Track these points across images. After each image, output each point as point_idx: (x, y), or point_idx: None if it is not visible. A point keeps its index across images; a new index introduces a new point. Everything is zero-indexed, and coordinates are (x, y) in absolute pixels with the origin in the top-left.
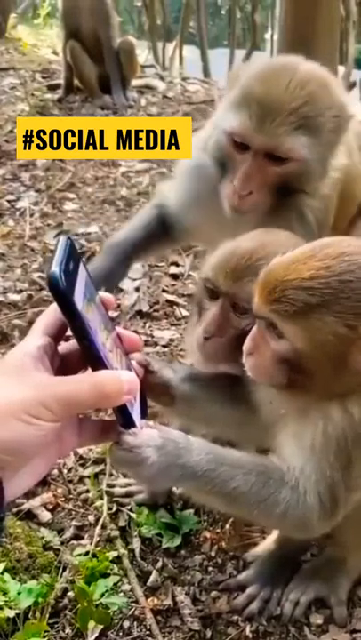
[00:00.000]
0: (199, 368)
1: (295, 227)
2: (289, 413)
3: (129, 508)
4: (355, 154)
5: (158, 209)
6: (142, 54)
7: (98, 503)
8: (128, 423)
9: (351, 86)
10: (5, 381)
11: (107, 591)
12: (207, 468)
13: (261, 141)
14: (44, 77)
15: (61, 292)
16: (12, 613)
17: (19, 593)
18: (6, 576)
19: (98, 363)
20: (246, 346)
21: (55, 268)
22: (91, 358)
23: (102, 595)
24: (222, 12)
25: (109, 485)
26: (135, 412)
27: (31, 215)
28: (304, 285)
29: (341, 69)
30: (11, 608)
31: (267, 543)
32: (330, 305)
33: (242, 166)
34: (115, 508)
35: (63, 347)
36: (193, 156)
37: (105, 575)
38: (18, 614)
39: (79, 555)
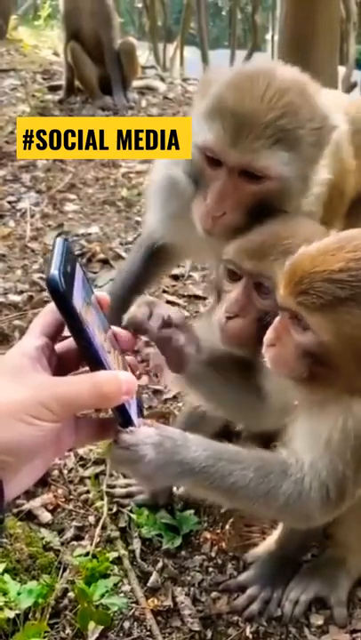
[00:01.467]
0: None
1: None
2: (304, 406)
3: (129, 508)
4: (344, 149)
5: (146, 236)
6: (143, 55)
7: (98, 504)
8: (126, 422)
9: (352, 87)
10: (5, 382)
11: (107, 592)
12: (205, 464)
13: (236, 158)
14: (44, 78)
15: (61, 295)
16: (12, 614)
17: (19, 593)
18: (6, 577)
19: (96, 363)
20: (268, 337)
21: (54, 271)
22: (89, 359)
23: (102, 595)
24: (223, 12)
25: (110, 486)
26: (133, 411)
27: (32, 216)
28: (334, 278)
29: (342, 70)
30: (11, 609)
31: (267, 544)
32: (359, 299)
33: (215, 184)
34: (115, 509)
35: (60, 345)
36: (162, 171)
37: (105, 576)
38: (18, 615)
39: (79, 555)
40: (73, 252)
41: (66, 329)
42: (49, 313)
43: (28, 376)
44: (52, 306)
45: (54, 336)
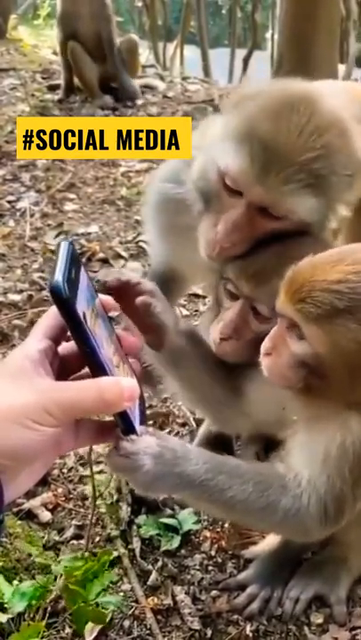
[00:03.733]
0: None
1: None
2: (302, 421)
3: (129, 507)
4: None
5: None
6: (143, 54)
7: (98, 502)
8: (128, 428)
9: None
10: (6, 385)
11: (103, 590)
12: (205, 477)
13: (259, 195)
14: (44, 78)
15: (64, 301)
16: (6, 616)
17: (13, 595)
18: (0, 578)
19: (99, 369)
20: (265, 345)
21: (58, 277)
22: (91, 364)
23: (98, 594)
24: (223, 11)
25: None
26: (135, 417)
27: (31, 215)
28: (332, 288)
29: (342, 68)
30: (5, 610)
31: (267, 542)
32: (355, 311)
33: (230, 213)
34: (115, 508)
35: (62, 348)
36: (159, 191)
37: (100, 573)
38: (15, 616)
39: (75, 558)
40: (77, 255)
41: (71, 335)
42: (52, 315)
43: (30, 380)
44: (55, 308)
45: (57, 339)
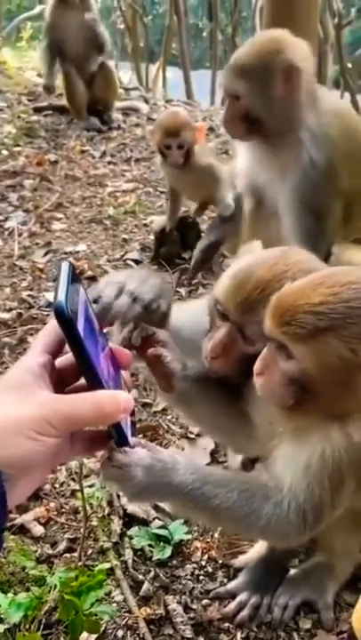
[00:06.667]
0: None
1: None
2: (287, 432)
3: (121, 520)
4: None
5: None
6: (126, 76)
7: (90, 516)
8: (121, 441)
9: None
10: (10, 398)
11: (97, 601)
12: (192, 486)
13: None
14: (30, 100)
15: (67, 321)
16: (2, 626)
17: (9, 606)
18: None
19: (96, 382)
20: (257, 366)
21: (61, 297)
22: (89, 378)
23: (92, 605)
24: (204, 34)
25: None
26: (127, 428)
27: (20, 235)
28: (314, 310)
29: None
30: (2, 621)
31: (255, 550)
32: (337, 329)
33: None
34: (107, 521)
35: (59, 361)
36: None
37: (95, 587)
38: (9, 628)
39: (69, 569)
40: (77, 274)
41: (71, 352)
42: (52, 331)
43: (32, 393)
44: (53, 324)
45: (55, 353)
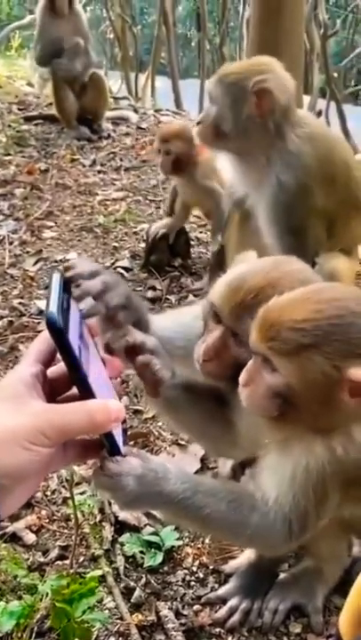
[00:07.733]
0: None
1: None
2: (272, 443)
3: (112, 527)
4: None
5: None
6: (115, 85)
7: (82, 523)
8: (113, 449)
9: (317, 115)
10: (4, 409)
11: (88, 608)
12: (182, 495)
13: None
14: (20, 109)
15: (59, 331)
16: None
17: (1, 615)
18: None
19: (87, 392)
20: (242, 378)
21: (52, 308)
22: (81, 387)
23: (84, 612)
24: (192, 44)
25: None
26: (118, 436)
27: (10, 243)
28: (297, 327)
29: (307, 99)
30: None
31: (245, 556)
32: (320, 346)
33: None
34: (98, 528)
35: (50, 371)
36: None
37: (87, 594)
38: (2, 636)
39: (61, 577)
40: (68, 285)
41: (63, 362)
42: (43, 341)
43: (25, 403)
44: (45, 334)
45: (47, 363)
